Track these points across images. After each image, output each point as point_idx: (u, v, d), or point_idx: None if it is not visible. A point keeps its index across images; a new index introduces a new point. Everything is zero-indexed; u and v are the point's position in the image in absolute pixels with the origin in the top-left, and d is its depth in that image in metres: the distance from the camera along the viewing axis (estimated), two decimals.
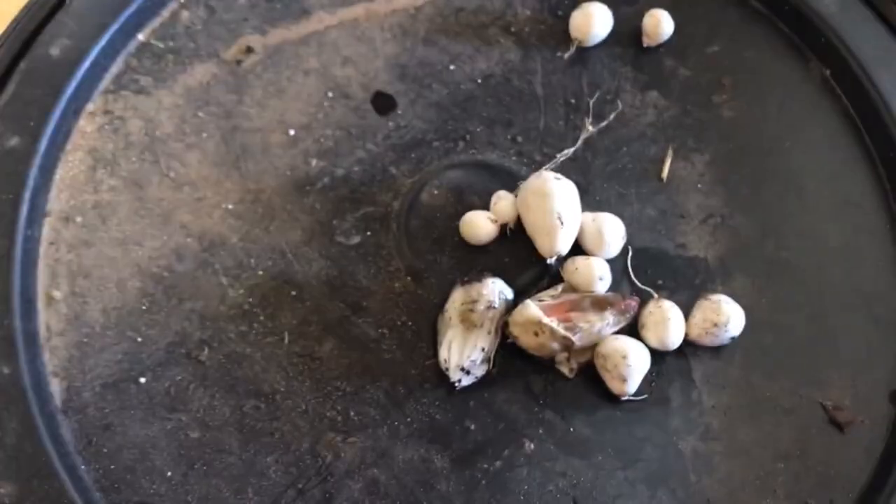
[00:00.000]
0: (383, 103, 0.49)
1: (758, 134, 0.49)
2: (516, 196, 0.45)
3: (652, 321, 0.43)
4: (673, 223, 0.47)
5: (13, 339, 0.42)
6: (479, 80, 0.50)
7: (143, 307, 0.44)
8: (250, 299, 0.45)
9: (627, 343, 0.42)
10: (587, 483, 0.42)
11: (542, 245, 0.44)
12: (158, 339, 0.43)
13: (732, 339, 0.43)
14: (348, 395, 0.43)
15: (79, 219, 0.45)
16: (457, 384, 0.42)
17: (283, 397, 0.43)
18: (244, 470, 0.41)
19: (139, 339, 0.43)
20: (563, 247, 0.44)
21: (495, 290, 0.43)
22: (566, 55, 0.50)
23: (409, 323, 0.44)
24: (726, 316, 0.43)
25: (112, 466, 0.41)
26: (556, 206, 0.44)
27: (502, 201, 0.45)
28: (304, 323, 0.44)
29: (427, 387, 0.43)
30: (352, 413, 0.43)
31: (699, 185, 0.48)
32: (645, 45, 0.50)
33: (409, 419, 0.42)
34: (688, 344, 0.44)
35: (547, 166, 0.47)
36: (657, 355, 0.43)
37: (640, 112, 0.49)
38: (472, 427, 0.42)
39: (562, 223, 0.44)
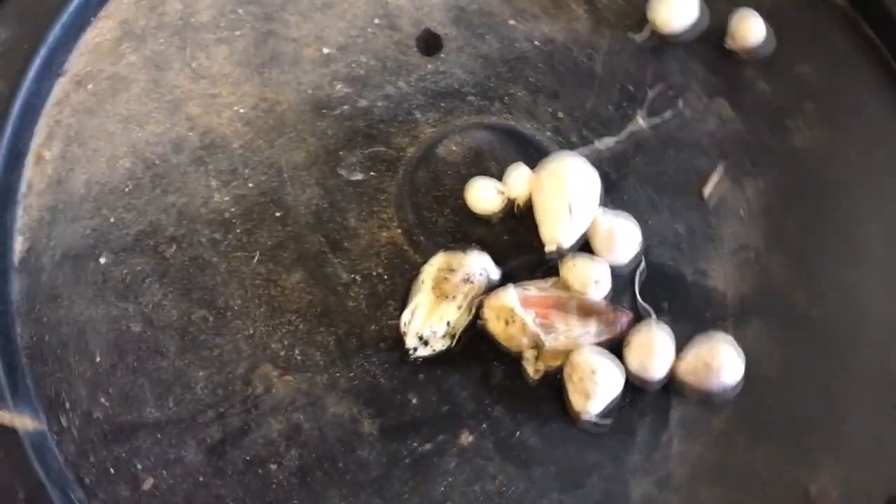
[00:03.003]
0: (429, 43, 0.46)
1: (825, 172, 0.43)
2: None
3: (637, 342, 0.39)
4: (700, 246, 0.42)
5: None
6: (537, 43, 0.46)
7: (126, 188, 0.43)
8: (233, 209, 0.42)
9: (602, 358, 0.38)
10: (515, 494, 0.38)
11: (545, 231, 0.40)
12: (131, 224, 0.42)
13: (724, 388, 0.38)
14: (299, 333, 0.40)
15: (90, 86, 0.44)
16: (411, 352, 0.39)
17: (233, 315, 0.41)
18: (172, 377, 0.40)
19: (112, 220, 0.42)
20: (567, 239, 0.40)
21: (478, 264, 0.40)
22: (638, 38, 0.46)
23: (385, 277, 0.41)
24: (722, 360, 0.38)
25: (46, 337, 0.40)
26: (569, 194, 0.40)
27: (517, 174, 0.42)
28: (278, 247, 0.42)
29: (381, 346, 0.40)
30: (296, 351, 0.40)
31: (741, 213, 0.42)
32: (728, 46, 0.45)
33: (351, 374, 0.40)
34: (675, 380, 0.39)
35: (578, 149, 0.43)
36: (634, 388, 0.39)
37: (700, 118, 0.44)
38: (414, 401, 0.39)
39: (571, 213, 0.39)
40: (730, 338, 0.39)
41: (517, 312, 0.38)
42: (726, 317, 0.41)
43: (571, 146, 0.43)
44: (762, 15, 0.45)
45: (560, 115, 0.44)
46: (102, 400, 0.39)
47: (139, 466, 0.38)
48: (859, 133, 0.44)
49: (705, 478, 0.38)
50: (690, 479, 0.38)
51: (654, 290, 0.41)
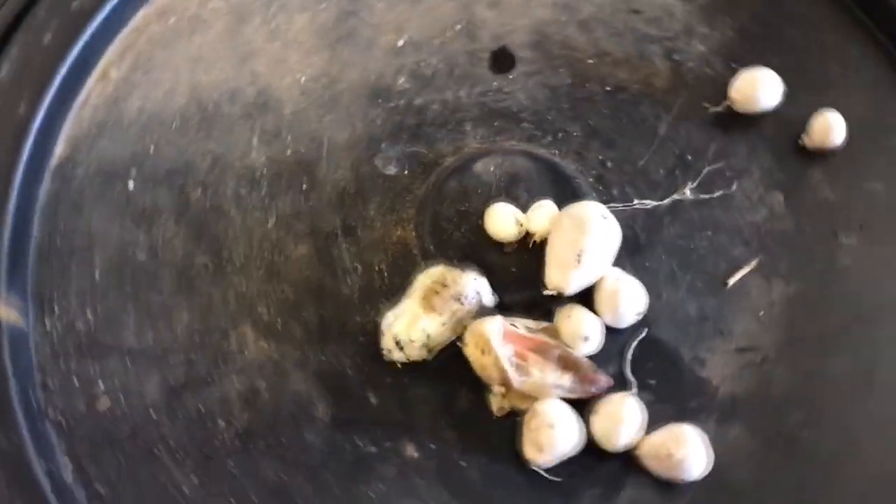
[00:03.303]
0: (502, 61, 0.46)
1: (862, 296, 0.40)
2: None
3: (605, 411, 0.37)
4: (706, 334, 0.40)
5: (49, 84, 0.43)
6: (609, 88, 0.45)
7: (174, 125, 0.44)
8: (265, 169, 0.43)
9: (565, 414, 0.37)
10: None
11: (550, 272, 0.39)
12: (167, 158, 0.43)
13: (683, 481, 0.37)
14: (287, 303, 0.41)
15: (171, 21, 0.46)
16: (385, 352, 0.39)
17: (233, 270, 0.41)
18: (158, 312, 0.41)
19: (151, 150, 0.43)
20: (569, 287, 0.39)
21: (473, 287, 0.39)
22: (712, 109, 0.44)
23: (385, 273, 0.41)
24: (686, 453, 0.36)
25: (58, 241, 0.42)
26: (585, 242, 0.39)
27: (541, 209, 0.41)
28: (295, 217, 0.42)
29: (360, 339, 0.40)
30: (279, 321, 0.40)
31: (761, 313, 0.40)
32: (801, 142, 0.43)
33: (323, 357, 0.40)
34: (635, 459, 0.37)
35: (614, 203, 0.41)
36: (594, 452, 0.37)
37: (751, 206, 0.42)
38: (373, 401, 0.39)
39: (579, 263, 0.38)
40: (704, 435, 0.37)
41: (493, 344, 0.37)
42: (711, 412, 0.39)
43: (609, 198, 0.42)
44: (846, 118, 0.42)
45: (609, 164, 0.43)
46: (89, 314, 0.40)
47: (101, 387, 0.39)
48: None
49: None
50: None
51: (646, 364, 0.39)
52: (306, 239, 0.42)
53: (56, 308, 0.41)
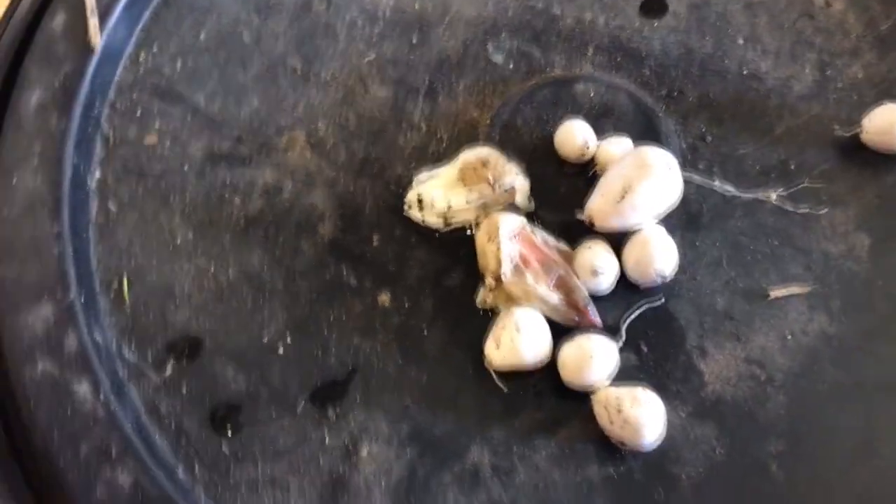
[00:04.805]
0: (653, 6, 0.44)
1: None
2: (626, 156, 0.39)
3: (579, 343, 0.35)
4: (721, 331, 0.37)
5: None
6: (746, 72, 0.43)
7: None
8: (388, 12, 0.45)
9: (537, 325, 0.35)
10: (391, 367, 0.37)
11: (591, 200, 0.38)
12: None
13: (623, 445, 0.34)
14: (346, 130, 0.42)
15: None
16: (405, 206, 0.39)
17: (315, 82, 0.43)
18: (235, 88, 0.43)
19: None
20: (603, 219, 0.37)
21: (511, 181, 0.38)
22: (839, 132, 0.41)
23: (444, 143, 0.41)
24: (636, 414, 0.34)
25: None
26: (637, 184, 0.37)
27: (617, 142, 0.40)
28: (392, 62, 0.43)
29: (390, 188, 0.40)
30: (331, 141, 0.42)
31: (789, 337, 0.37)
32: None
33: (351, 188, 0.40)
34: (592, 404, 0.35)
35: (692, 174, 0.39)
36: (553, 381, 0.36)
37: (831, 236, 0.39)
38: (374, 243, 0.39)
39: (622, 199, 0.37)
40: (663, 414, 0.35)
41: (500, 234, 0.36)
42: (688, 402, 0.36)
43: (692, 168, 0.40)
44: None
45: (708, 138, 0.41)
46: (178, 65, 0.43)
47: (157, 125, 0.42)
48: None
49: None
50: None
51: (648, 329, 0.37)
52: (391, 85, 0.42)
53: (155, 48, 0.43)
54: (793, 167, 0.40)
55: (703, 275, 0.38)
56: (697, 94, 0.42)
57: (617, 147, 0.39)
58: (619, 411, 0.34)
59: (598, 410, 0.35)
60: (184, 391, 0.36)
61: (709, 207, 0.40)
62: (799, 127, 0.41)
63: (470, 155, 0.39)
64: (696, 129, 0.41)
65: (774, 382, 0.36)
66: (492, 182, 0.38)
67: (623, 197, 0.37)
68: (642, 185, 0.37)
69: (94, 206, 0.40)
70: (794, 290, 0.38)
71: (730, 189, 0.40)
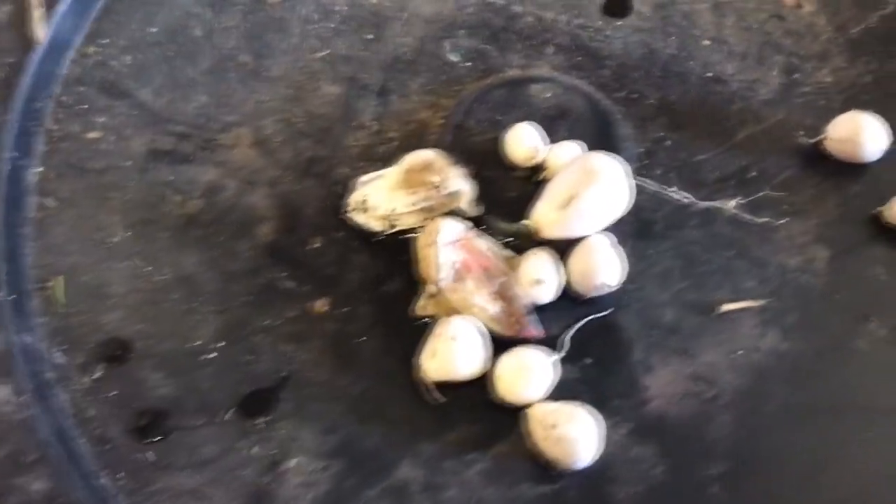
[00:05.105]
0: (617, 6, 0.43)
1: (857, 397, 0.35)
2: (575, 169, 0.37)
3: (517, 356, 0.34)
4: (668, 345, 0.36)
5: None
6: (710, 74, 0.41)
7: None
8: (345, 7, 0.43)
9: (473, 336, 0.34)
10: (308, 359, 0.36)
11: (537, 206, 0.36)
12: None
13: (555, 463, 0.33)
14: (293, 128, 0.41)
15: None
16: (349, 208, 0.38)
17: (266, 78, 0.42)
18: (182, 84, 0.42)
19: None
20: (548, 227, 0.36)
21: (458, 183, 0.37)
22: (802, 139, 0.39)
23: (395, 144, 0.40)
24: (568, 432, 0.33)
25: None
26: (583, 191, 0.35)
27: (565, 150, 0.38)
28: (345, 59, 0.42)
29: (334, 189, 0.39)
30: (278, 139, 0.41)
31: (739, 352, 0.36)
32: (880, 213, 0.37)
33: (294, 188, 0.39)
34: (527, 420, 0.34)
35: (648, 180, 0.38)
36: (487, 395, 0.35)
37: (788, 248, 0.38)
38: (314, 245, 0.38)
39: (567, 206, 0.35)
40: (602, 431, 0.33)
41: (438, 239, 0.35)
42: (629, 419, 0.35)
43: (644, 171, 0.39)
44: None
45: (667, 143, 0.40)
46: (127, 59, 0.42)
47: (101, 121, 0.41)
48: None
49: None
50: None
51: (591, 343, 0.36)
52: (343, 82, 0.41)
53: (105, 40, 0.42)
54: (753, 175, 0.39)
55: (652, 286, 0.37)
56: (658, 97, 0.41)
57: (567, 152, 0.38)
58: (554, 426, 0.33)
59: (532, 426, 0.33)
60: (111, 396, 0.35)
61: (663, 216, 0.38)
62: (762, 133, 0.40)
63: (415, 157, 0.38)
64: (654, 134, 0.40)
65: (721, 401, 0.35)
66: (437, 186, 0.37)
67: (568, 204, 0.35)
68: (588, 192, 0.35)
69: (31, 202, 0.39)
70: (747, 304, 0.37)
71: (686, 197, 0.38)
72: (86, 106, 0.41)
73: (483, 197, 0.38)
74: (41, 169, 0.40)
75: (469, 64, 0.42)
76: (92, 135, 0.40)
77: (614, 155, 0.36)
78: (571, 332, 0.36)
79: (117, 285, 0.37)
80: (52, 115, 0.41)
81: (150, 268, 0.38)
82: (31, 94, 0.40)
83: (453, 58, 0.42)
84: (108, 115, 0.41)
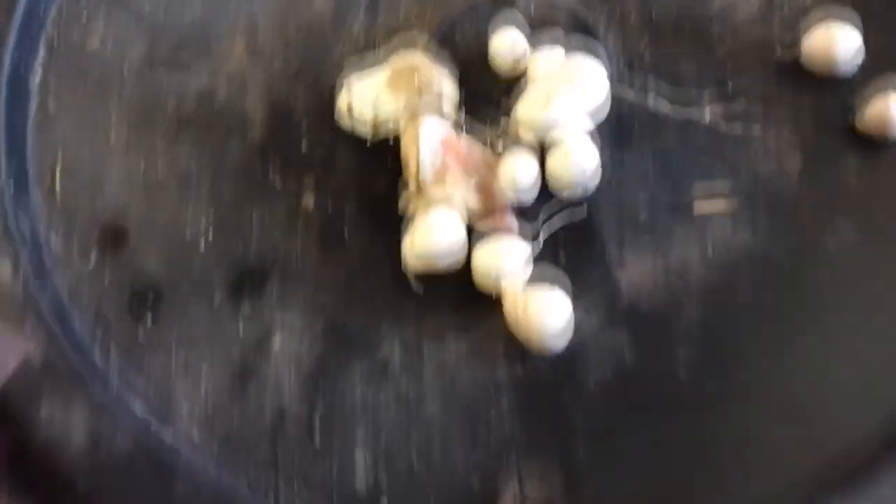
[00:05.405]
0: None
1: (824, 299, 0.36)
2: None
3: (494, 245, 0.36)
4: (641, 242, 0.37)
5: None
6: None
7: None
8: None
9: (453, 225, 0.36)
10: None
11: (518, 107, 0.38)
12: None
13: (527, 340, 0.35)
14: (285, 36, 0.42)
15: None
16: (337, 112, 0.39)
17: None
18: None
19: None
20: (529, 130, 0.37)
21: (441, 85, 0.38)
22: (780, 52, 0.40)
23: (378, 42, 0.41)
24: (537, 313, 0.34)
25: None
26: (563, 91, 0.37)
27: (551, 53, 0.39)
28: None
29: (325, 95, 0.40)
30: (270, 47, 0.41)
31: (709, 251, 0.37)
32: (854, 122, 0.39)
33: (284, 88, 0.41)
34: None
35: (626, 87, 0.39)
36: (467, 286, 0.36)
37: (762, 155, 0.39)
38: (303, 149, 0.39)
39: (547, 106, 0.37)
40: (570, 314, 0.35)
41: (422, 138, 0.36)
42: (601, 310, 0.36)
43: (624, 82, 0.40)
44: None
45: (646, 57, 0.41)
46: None
47: (100, 30, 0.42)
48: None
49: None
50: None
51: (567, 241, 0.37)
52: None
53: None
54: (731, 88, 0.40)
55: (627, 188, 0.38)
56: (640, 14, 0.42)
57: (548, 57, 0.39)
58: (526, 309, 0.34)
59: (507, 308, 0.35)
60: (106, 280, 0.37)
61: (640, 124, 0.39)
62: (741, 49, 0.41)
63: (400, 61, 0.39)
64: (636, 49, 0.41)
65: (691, 294, 0.36)
66: (421, 88, 0.38)
67: (548, 104, 0.37)
68: (567, 93, 0.37)
69: (33, 105, 0.41)
70: (720, 205, 0.38)
71: (664, 106, 0.40)
72: (86, 16, 0.42)
73: (467, 104, 0.39)
74: (42, 75, 0.41)
75: None
76: (91, 42, 0.42)
77: (594, 58, 0.38)
78: (545, 225, 0.37)
79: (114, 180, 0.39)
80: (53, 21, 0.42)
81: (145, 165, 0.39)
82: (32, 2, 0.42)
83: None
84: (108, 25, 0.42)
